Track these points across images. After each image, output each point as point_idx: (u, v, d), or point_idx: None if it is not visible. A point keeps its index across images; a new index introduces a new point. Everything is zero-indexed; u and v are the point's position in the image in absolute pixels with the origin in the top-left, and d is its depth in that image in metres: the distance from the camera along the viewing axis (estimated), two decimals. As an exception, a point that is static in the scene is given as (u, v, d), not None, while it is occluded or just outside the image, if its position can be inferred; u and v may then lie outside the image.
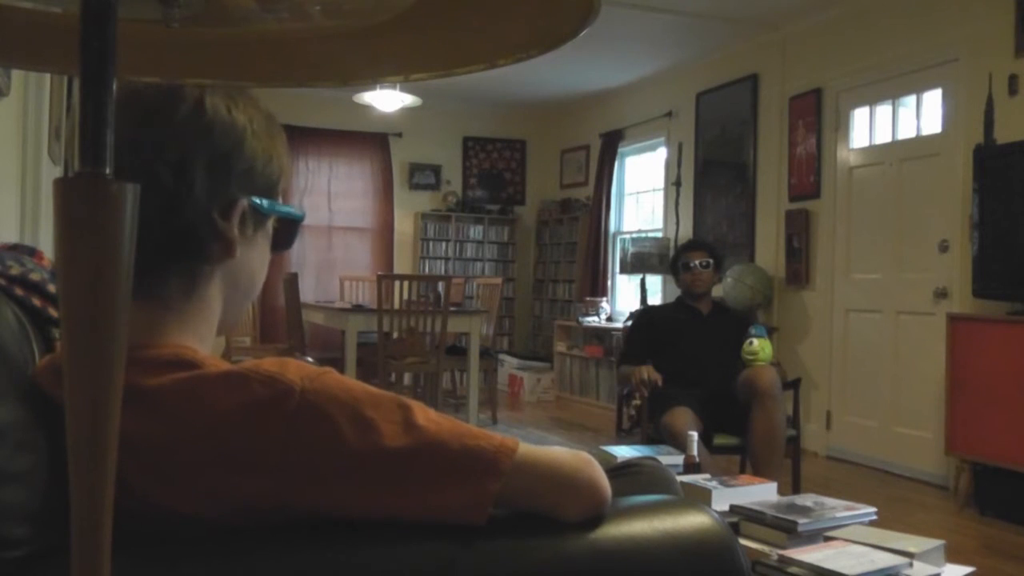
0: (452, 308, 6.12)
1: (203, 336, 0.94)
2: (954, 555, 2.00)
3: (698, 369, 3.98)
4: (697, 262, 4.18)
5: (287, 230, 1.01)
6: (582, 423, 6.91)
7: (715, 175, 6.95)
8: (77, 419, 0.55)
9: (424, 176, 9.27)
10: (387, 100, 6.89)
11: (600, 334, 7.78)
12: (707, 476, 2.57)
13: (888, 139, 5.48)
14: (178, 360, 0.85)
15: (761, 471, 3.51)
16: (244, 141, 0.91)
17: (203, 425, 0.81)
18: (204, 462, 0.81)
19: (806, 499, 2.15)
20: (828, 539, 1.91)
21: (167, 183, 0.86)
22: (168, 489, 0.82)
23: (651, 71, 7.58)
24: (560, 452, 0.90)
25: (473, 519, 0.83)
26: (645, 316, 4.65)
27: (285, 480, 0.81)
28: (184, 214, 0.87)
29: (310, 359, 0.93)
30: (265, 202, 0.94)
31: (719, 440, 3.80)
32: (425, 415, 0.84)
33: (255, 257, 0.97)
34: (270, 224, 0.99)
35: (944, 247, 4.91)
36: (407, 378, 6.56)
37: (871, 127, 5.60)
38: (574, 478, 0.88)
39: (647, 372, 3.89)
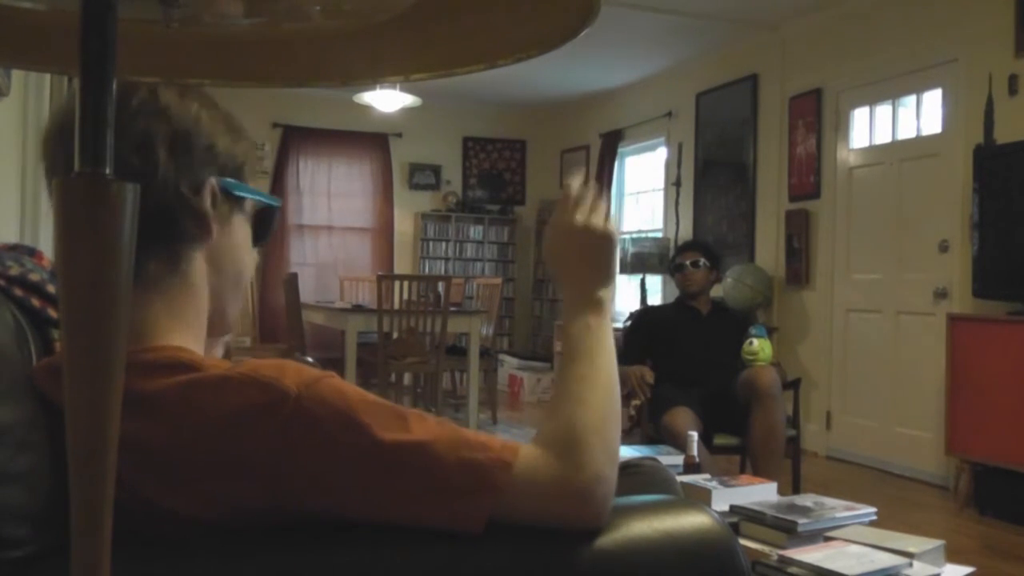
0: (452, 308, 6.12)
1: (193, 326, 0.94)
2: (954, 555, 2.00)
3: (698, 369, 3.99)
4: (688, 262, 4.19)
5: (265, 220, 1.03)
6: (582, 423, 6.90)
7: (715, 175, 6.95)
8: (77, 419, 0.55)
9: (424, 176, 9.27)
10: (387, 100, 6.89)
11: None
12: (707, 476, 2.57)
13: (888, 139, 5.48)
14: (175, 363, 0.85)
15: (761, 471, 3.51)
16: (200, 121, 0.93)
17: (199, 429, 0.81)
18: (200, 466, 0.81)
19: (806, 499, 2.15)
20: (828, 539, 1.91)
21: (133, 164, 0.88)
22: (166, 491, 0.82)
23: (651, 71, 7.58)
24: (561, 466, 0.86)
25: (468, 530, 0.82)
26: (644, 316, 4.65)
27: (279, 485, 0.81)
28: (153, 192, 0.89)
29: (310, 359, 0.93)
30: (235, 183, 0.96)
31: (719, 440, 3.80)
32: (422, 425, 0.83)
33: (236, 241, 0.99)
34: (247, 209, 1.01)
35: (944, 247, 4.91)
36: (407, 378, 6.56)
37: (871, 127, 5.60)
38: (574, 494, 0.85)
39: (641, 372, 3.90)
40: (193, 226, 0.92)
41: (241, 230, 1.00)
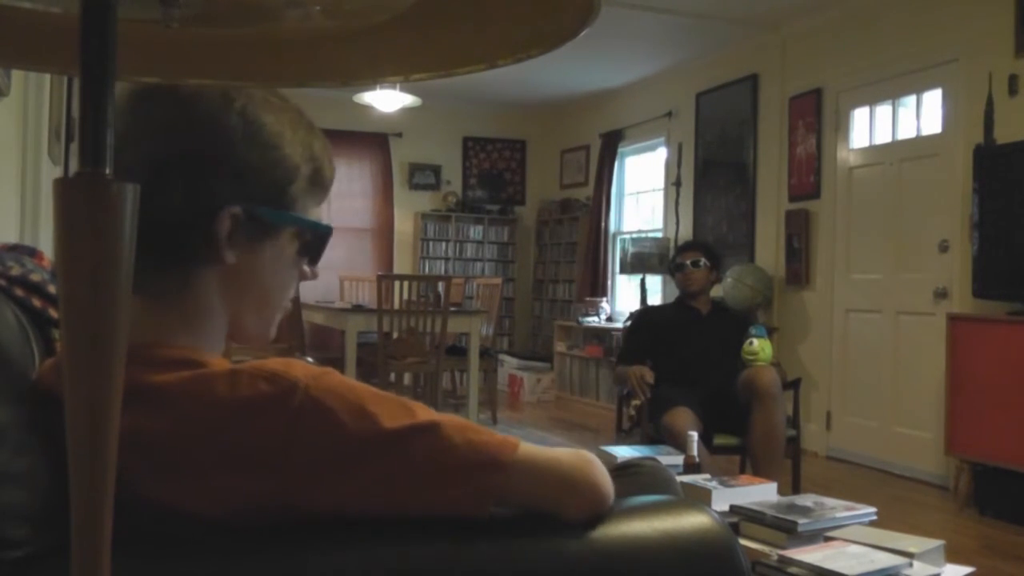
0: (452, 308, 6.12)
1: (209, 338, 0.93)
2: (954, 555, 2.00)
3: (698, 369, 3.99)
4: (689, 262, 4.20)
5: (314, 241, 0.98)
6: (582, 423, 6.91)
7: (715, 175, 6.95)
8: (77, 419, 0.55)
9: (424, 176, 9.27)
10: (387, 100, 6.89)
11: (600, 334, 7.78)
12: (707, 476, 2.57)
13: (888, 139, 5.47)
14: (183, 360, 0.86)
15: (761, 471, 3.51)
16: (235, 143, 0.88)
17: (207, 421, 0.81)
18: (208, 458, 0.81)
19: (806, 499, 2.15)
20: (828, 539, 1.91)
21: (142, 178, 0.85)
22: (171, 487, 0.82)
23: (651, 71, 7.58)
24: (561, 451, 0.90)
25: (474, 513, 0.84)
26: (644, 316, 4.66)
27: (288, 477, 0.81)
28: (158, 212, 0.85)
29: (310, 359, 0.93)
30: (268, 211, 0.92)
31: (719, 440, 3.80)
32: (427, 412, 0.85)
33: (264, 266, 0.94)
34: (286, 233, 0.95)
35: (944, 247, 4.91)
36: (407, 378, 6.56)
37: (871, 127, 5.60)
38: (574, 477, 0.88)
39: (641, 372, 3.90)
40: (204, 251, 0.89)
41: (273, 253, 0.94)
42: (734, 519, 2.03)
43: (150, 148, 0.87)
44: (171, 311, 0.91)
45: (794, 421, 4.00)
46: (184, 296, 0.91)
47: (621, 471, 1.16)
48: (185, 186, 0.87)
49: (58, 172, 3.35)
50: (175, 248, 0.89)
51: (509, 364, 8.46)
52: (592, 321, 7.84)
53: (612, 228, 8.41)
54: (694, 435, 2.96)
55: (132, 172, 0.82)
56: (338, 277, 8.34)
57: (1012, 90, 4.50)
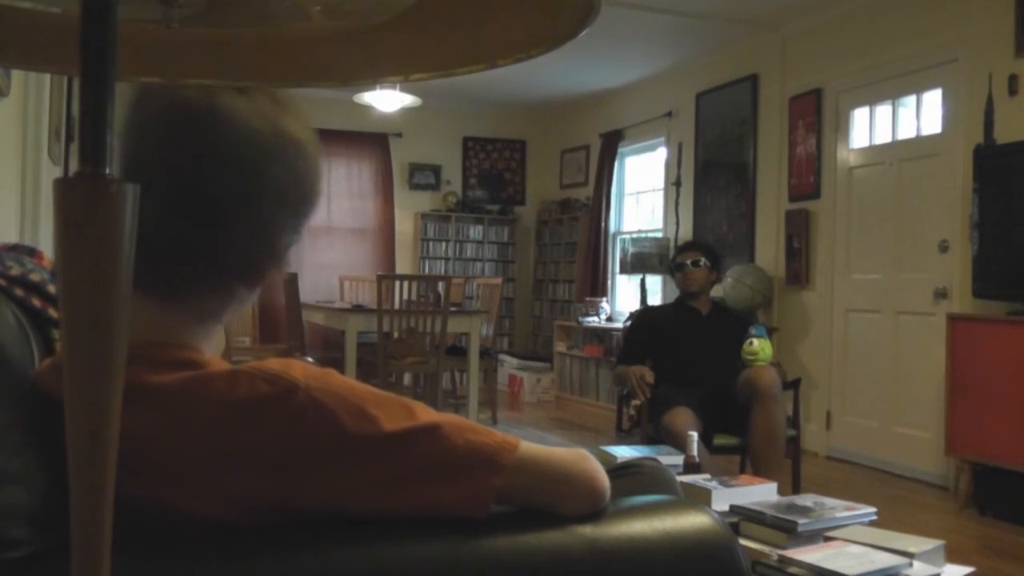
0: (452, 308, 6.12)
1: (213, 337, 0.95)
2: (954, 555, 2.00)
3: (698, 369, 3.98)
4: (689, 261, 4.21)
5: None
6: (582, 423, 6.91)
7: (715, 175, 6.95)
8: (77, 419, 0.55)
9: (424, 176, 9.27)
10: (387, 100, 6.89)
11: (600, 334, 7.78)
12: (707, 476, 2.57)
13: (888, 139, 5.47)
14: (186, 361, 0.86)
15: (761, 471, 3.51)
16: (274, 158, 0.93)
17: (207, 421, 0.81)
18: (207, 458, 0.81)
19: (806, 499, 2.15)
20: (828, 539, 1.91)
21: (204, 217, 0.87)
22: (171, 487, 0.82)
23: (651, 71, 7.58)
24: (557, 448, 0.92)
25: (475, 514, 0.84)
26: (644, 316, 4.66)
27: (288, 477, 0.81)
28: (232, 243, 0.89)
29: (311, 360, 0.93)
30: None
31: (719, 440, 3.80)
32: (428, 413, 0.86)
33: None
34: None
35: (944, 247, 4.91)
36: (407, 378, 6.56)
37: (871, 127, 5.60)
38: (573, 473, 0.89)
39: (641, 372, 3.90)
40: (271, 270, 0.93)
41: None
42: (734, 519, 2.03)
43: (272, 180, 0.89)
44: (186, 312, 0.91)
45: (794, 421, 4.00)
46: (212, 299, 0.92)
47: (621, 471, 1.16)
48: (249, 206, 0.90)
49: (58, 172, 3.35)
50: (250, 269, 0.91)
51: (509, 364, 8.46)
52: (592, 321, 7.84)
53: (612, 228, 8.41)
54: (694, 435, 2.96)
55: (179, 206, 0.86)
56: (338, 277, 8.35)
57: (1012, 90, 4.50)
